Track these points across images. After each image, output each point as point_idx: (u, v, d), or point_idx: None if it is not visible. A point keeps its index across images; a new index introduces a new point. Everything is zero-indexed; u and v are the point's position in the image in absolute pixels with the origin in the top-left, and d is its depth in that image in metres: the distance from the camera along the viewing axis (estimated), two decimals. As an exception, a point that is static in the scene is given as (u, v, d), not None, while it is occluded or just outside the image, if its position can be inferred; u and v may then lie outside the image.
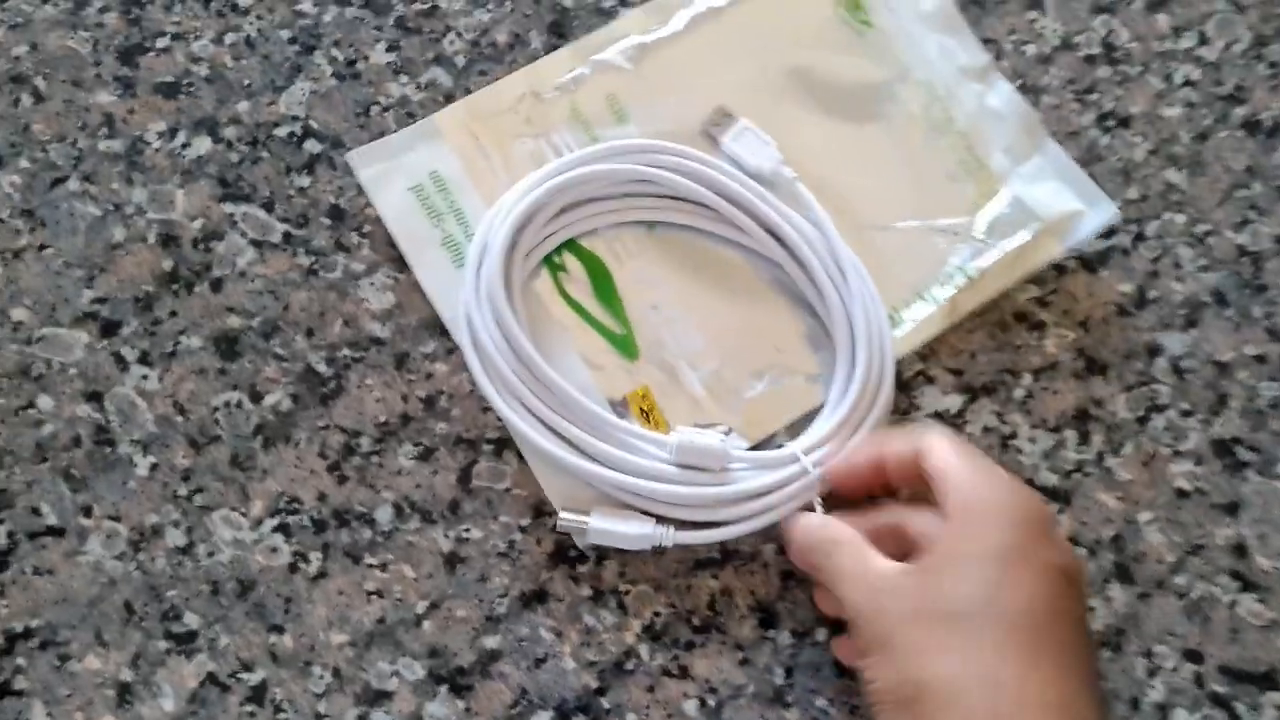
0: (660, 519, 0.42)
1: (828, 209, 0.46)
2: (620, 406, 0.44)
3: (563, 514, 0.41)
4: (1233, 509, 0.46)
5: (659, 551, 0.42)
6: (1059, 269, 0.49)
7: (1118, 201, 0.50)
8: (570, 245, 0.46)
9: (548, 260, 0.46)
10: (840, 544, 0.39)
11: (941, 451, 0.38)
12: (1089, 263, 0.49)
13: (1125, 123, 0.51)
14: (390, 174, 0.46)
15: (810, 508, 0.42)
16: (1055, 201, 0.48)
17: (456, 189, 0.46)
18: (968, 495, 0.37)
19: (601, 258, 0.46)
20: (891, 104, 0.50)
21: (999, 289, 0.47)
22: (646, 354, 0.45)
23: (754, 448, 0.44)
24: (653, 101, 0.48)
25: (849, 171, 0.48)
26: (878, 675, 0.36)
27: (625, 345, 0.45)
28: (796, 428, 0.45)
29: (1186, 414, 0.47)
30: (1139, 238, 0.50)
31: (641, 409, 0.44)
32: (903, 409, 0.46)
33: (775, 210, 0.46)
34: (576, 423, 0.42)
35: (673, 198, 0.46)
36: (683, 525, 0.42)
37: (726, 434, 0.44)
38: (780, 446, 0.44)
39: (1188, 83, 0.52)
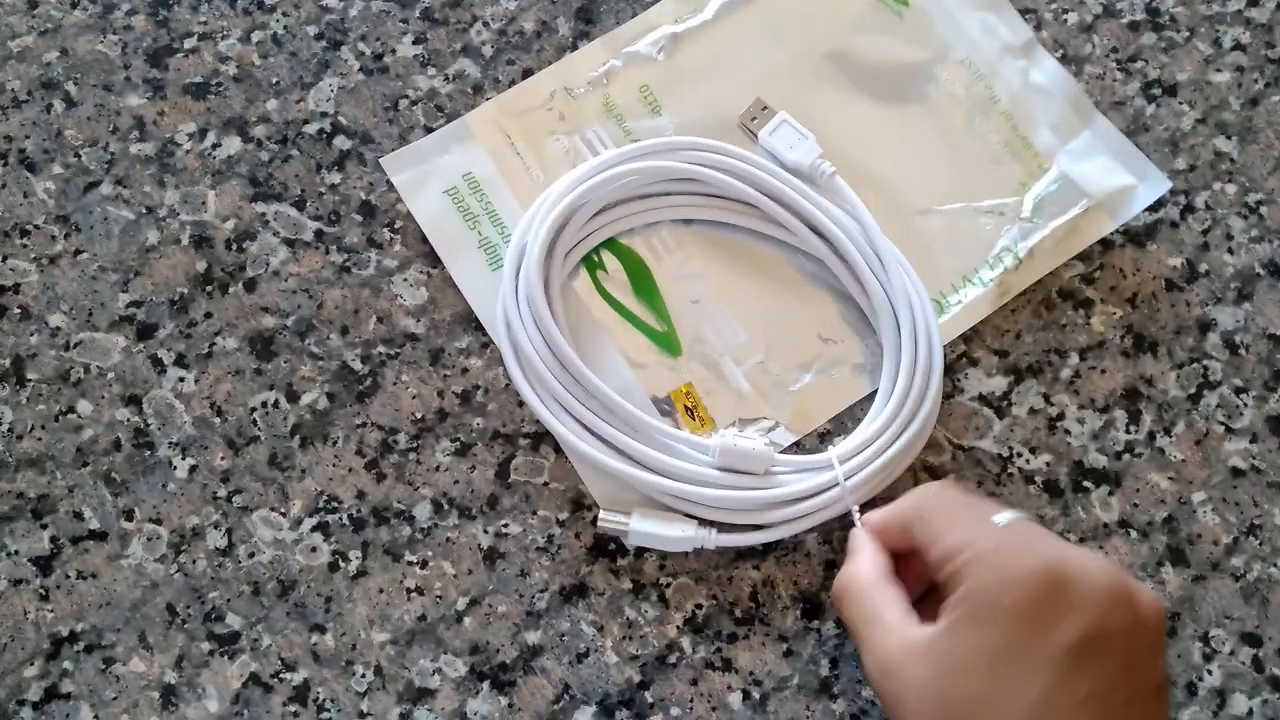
0: (702, 521, 0.41)
1: (869, 195, 0.46)
2: (665, 404, 0.44)
3: (604, 515, 0.41)
4: (1291, 487, 0.45)
5: (699, 551, 0.42)
6: (1105, 244, 0.47)
7: (1165, 172, 0.48)
8: (608, 243, 0.45)
9: (586, 259, 0.45)
10: (855, 598, 0.37)
11: (928, 527, 0.36)
12: (1136, 237, 0.48)
13: (1172, 91, 0.50)
14: (424, 178, 0.45)
15: (849, 520, 0.41)
16: (1105, 177, 0.47)
17: (491, 190, 0.45)
18: (966, 587, 0.34)
19: (640, 254, 0.45)
20: (932, 85, 0.49)
21: (1049, 268, 0.46)
22: (689, 350, 0.45)
23: (800, 442, 0.44)
24: (687, 92, 0.47)
25: (890, 156, 0.47)
26: None
27: (667, 342, 0.45)
28: (845, 417, 0.44)
29: (1240, 390, 0.46)
30: (1188, 209, 0.48)
31: (686, 406, 0.44)
32: (947, 393, 0.45)
33: (815, 205, 0.45)
34: (618, 426, 0.42)
35: (711, 195, 0.45)
36: (723, 527, 0.41)
37: (772, 429, 0.44)
38: (826, 447, 0.43)
39: (1237, 46, 0.51)
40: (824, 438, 0.44)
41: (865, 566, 0.38)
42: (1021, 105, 0.48)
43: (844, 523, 0.41)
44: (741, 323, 0.45)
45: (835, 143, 0.46)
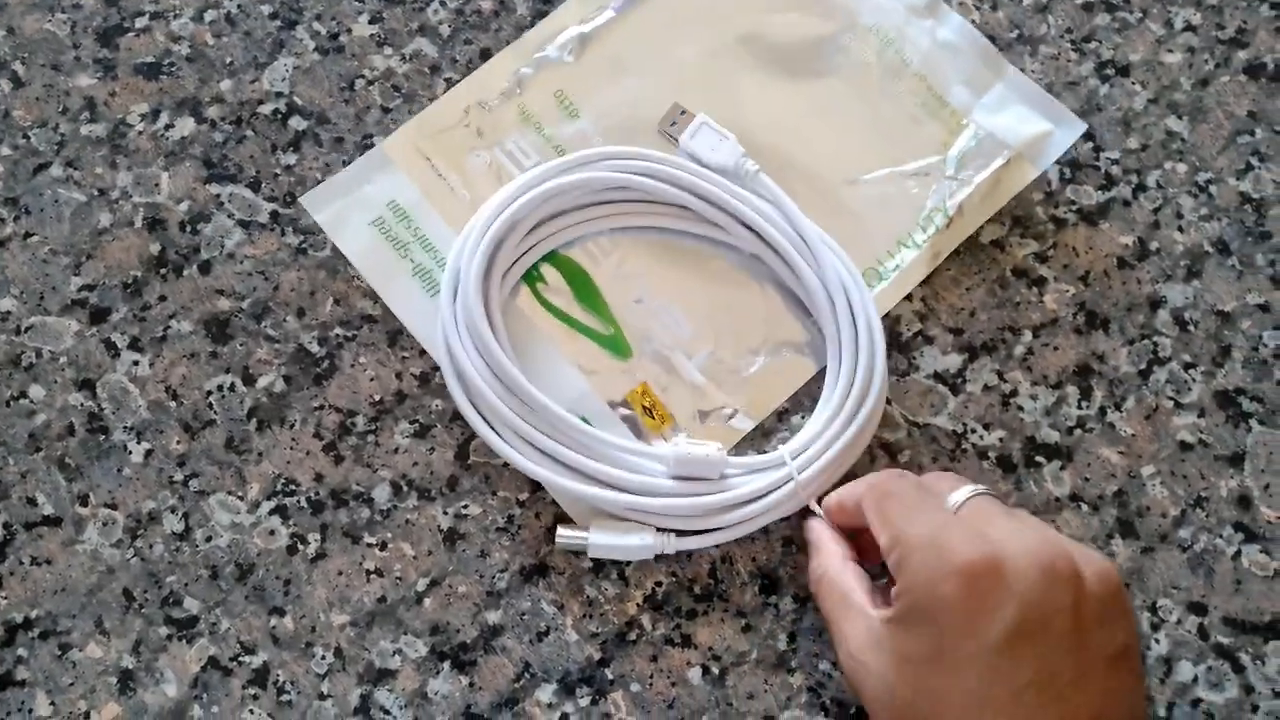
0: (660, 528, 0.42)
1: (794, 174, 0.46)
2: (622, 407, 0.44)
3: (561, 532, 0.41)
4: (1237, 460, 0.46)
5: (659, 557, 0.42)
6: (1058, 223, 0.48)
7: (1116, 152, 0.49)
8: (545, 255, 0.45)
9: (525, 273, 0.45)
10: (826, 588, 0.38)
11: (871, 516, 0.37)
12: (1089, 216, 0.48)
13: (1125, 71, 0.50)
14: (347, 211, 0.44)
15: (808, 510, 0.42)
16: (1022, 126, 0.48)
17: (418, 216, 0.45)
18: (897, 585, 0.35)
19: (577, 261, 0.45)
20: (843, 55, 0.49)
21: (978, 223, 0.47)
22: (639, 350, 0.45)
23: (761, 424, 0.44)
24: (603, 93, 0.47)
25: (811, 132, 0.48)
26: None
27: (616, 345, 0.45)
28: (802, 395, 0.45)
29: (1189, 366, 0.47)
30: (1140, 188, 0.49)
31: (644, 406, 0.44)
32: (902, 370, 0.45)
33: (741, 201, 0.45)
34: (569, 444, 0.41)
35: (642, 200, 0.45)
36: (681, 532, 0.42)
37: (731, 417, 0.44)
38: (782, 432, 0.44)
39: (1188, 27, 0.51)
40: (783, 416, 0.45)
41: (830, 556, 0.39)
42: (933, 65, 0.49)
43: (803, 512, 0.42)
44: (687, 316, 0.45)
45: (755, 125, 0.46)
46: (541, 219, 0.44)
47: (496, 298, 0.43)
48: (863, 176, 0.47)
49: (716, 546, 0.43)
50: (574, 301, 0.45)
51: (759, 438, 0.44)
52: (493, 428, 0.42)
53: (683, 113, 0.46)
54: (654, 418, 0.44)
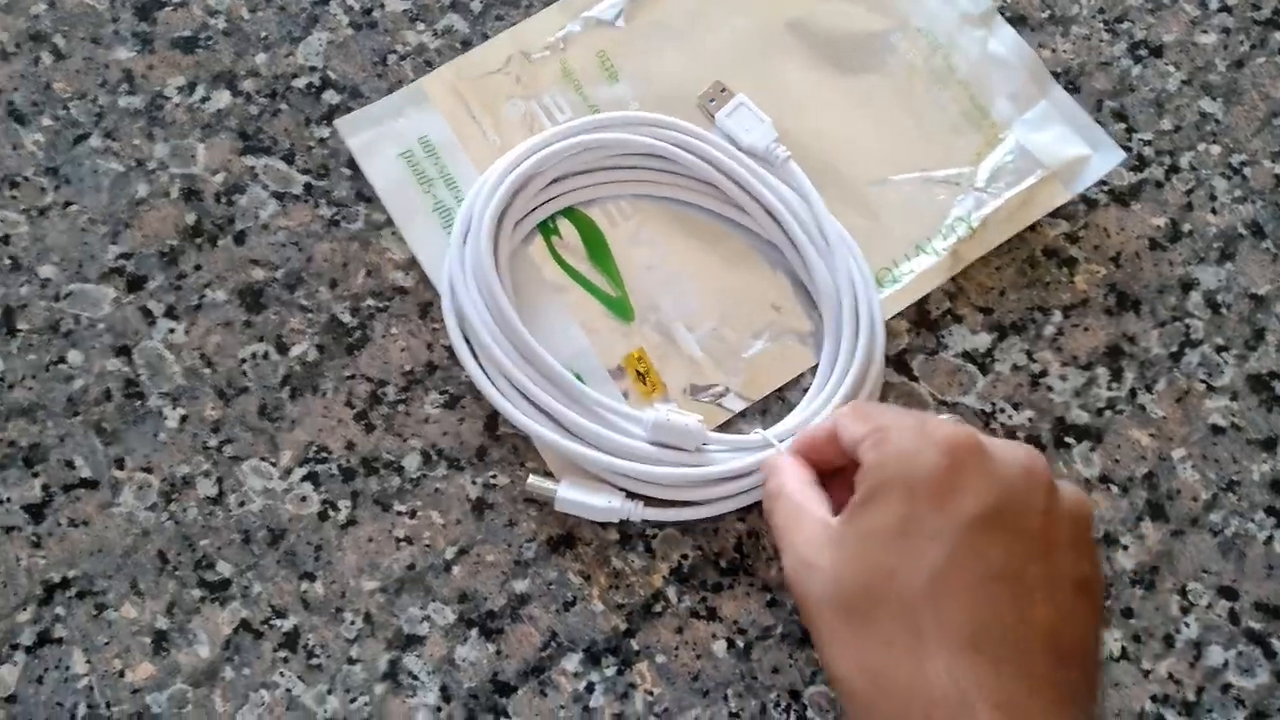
0: (631, 494, 0.42)
1: (825, 165, 0.46)
2: (617, 370, 0.44)
3: (531, 479, 0.41)
4: (1269, 444, 0.46)
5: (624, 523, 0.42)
6: (1089, 203, 0.48)
7: (1149, 133, 0.49)
8: (564, 210, 0.45)
9: (541, 225, 0.45)
10: (780, 504, 0.37)
11: (845, 423, 0.36)
12: (1120, 196, 0.48)
13: (1158, 52, 0.50)
14: (379, 141, 0.45)
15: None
16: (1060, 147, 0.47)
17: (447, 154, 0.45)
18: (869, 463, 0.34)
19: (595, 220, 0.45)
20: (890, 54, 0.48)
21: (1002, 238, 0.46)
22: (642, 315, 0.45)
23: (746, 412, 0.44)
24: (645, 60, 0.47)
25: (847, 125, 0.47)
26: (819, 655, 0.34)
27: (620, 307, 0.45)
28: (796, 385, 0.45)
29: (1221, 349, 0.47)
30: (1172, 170, 0.49)
31: (638, 371, 0.44)
32: (930, 349, 0.45)
33: (768, 187, 0.45)
34: (556, 396, 0.42)
35: (669, 171, 0.45)
36: (652, 502, 0.42)
37: (723, 395, 0.44)
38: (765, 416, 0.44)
39: (1223, 8, 0.51)
40: (771, 407, 0.44)
41: (789, 476, 0.38)
42: (979, 75, 0.48)
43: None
44: (695, 290, 0.45)
45: (792, 112, 0.46)
46: (566, 173, 0.44)
47: (506, 245, 0.43)
48: (891, 177, 0.47)
49: (683, 529, 0.43)
50: (586, 259, 0.45)
51: (748, 421, 0.44)
52: (484, 371, 0.42)
53: (723, 90, 0.46)
54: (646, 384, 0.44)
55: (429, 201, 0.45)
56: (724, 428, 0.44)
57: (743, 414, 0.44)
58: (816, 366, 0.44)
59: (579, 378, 0.43)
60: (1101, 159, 0.47)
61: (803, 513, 0.36)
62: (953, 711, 0.30)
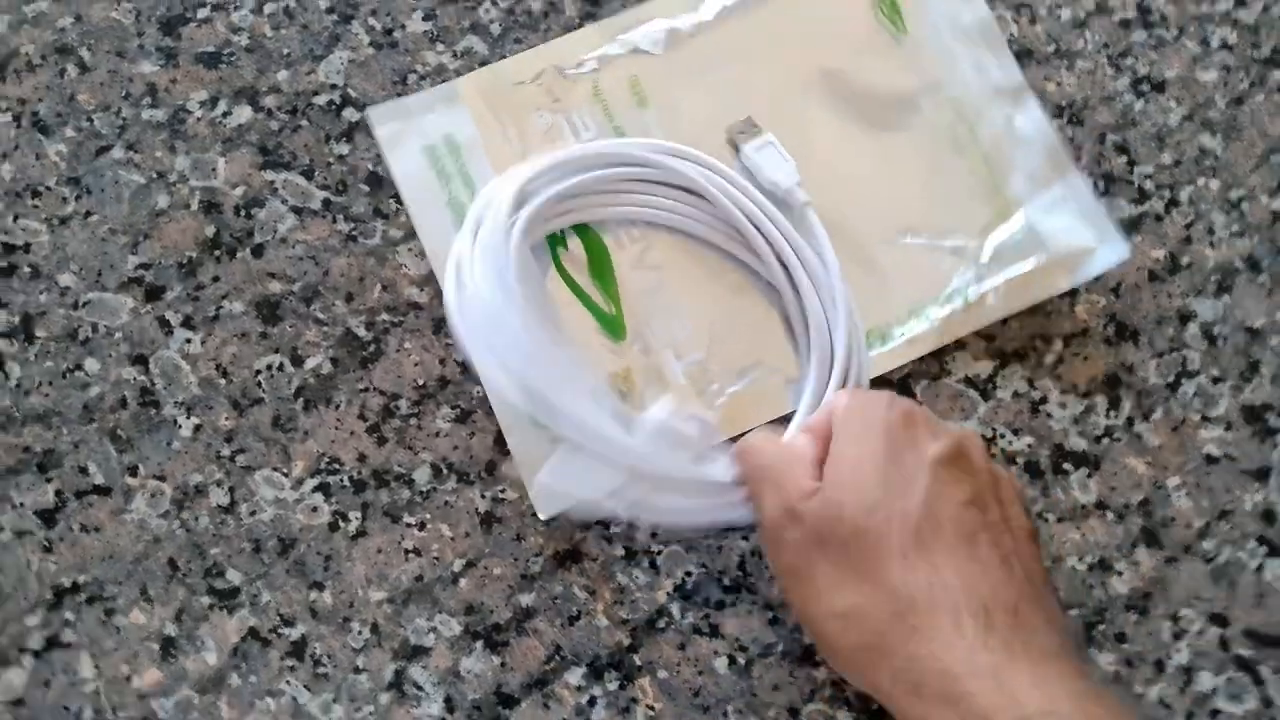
0: (601, 525, 0.42)
1: (837, 216, 0.46)
2: (600, 386, 0.44)
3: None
4: (1261, 475, 0.46)
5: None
6: (1091, 235, 0.49)
7: (1150, 166, 0.50)
8: (573, 225, 0.46)
9: (550, 235, 0.45)
10: (749, 451, 0.39)
11: (835, 402, 0.39)
12: (1122, 228, 0.49)
13: (1160, 87, 0.51)
14: (407, 133, 0.46)
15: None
16: (1067, 235, 0.47)
17: (469, 154, 0.46)
18: (839, 418, 0.38)
19: (603, 238, 0.46)
20: (917, 116, 0.49)
21: (996, 317, 0.46)
22: (633, 336, 0.45)
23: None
24: (676, 91, 0.47)
25: (865, 180, 0.47)
26: (791, 603, 0.38)
27: (613, 325, 0.45)
28: (771, 429, 0.44)
29: (1217, 380, 0.48)
30: (1172, 203, 0.50)
31: (621, 390, 0.44)
32: (934, 374, 0.46)
33: (782, 233, 0.45)
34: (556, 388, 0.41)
35: (683, 201, 0.46)
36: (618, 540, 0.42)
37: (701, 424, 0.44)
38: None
39: (1224, 46, 0.52)
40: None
41: (765, 437, 0.40)
42: (1000, 149, 0.48)
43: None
44: (690, 318, 0.46)
45: (812, 159, 0.47)
46: (581, 191, 0.45)
47: (516, 242, 0.42)
48: (900, 238, 0.47)
49: (687, 546, 0.43)
50: (587, 274, 0.46)
51: None
52: (475, 352, 0.41)
53: (754, 126, 0.47)
54: (627, 404, 0.44)
55: (444, 196, 0.45)
56: None
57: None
58: (794, 413, 0.44)
59: None
60: (1106, 252, 0.47)
61: (786, 466, 0.38)
62: (988, 605, 0.34)
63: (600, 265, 0.46)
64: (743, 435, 0.44)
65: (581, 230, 0.46)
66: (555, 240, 0.46)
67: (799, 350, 0.45)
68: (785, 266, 0.45)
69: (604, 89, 0.47)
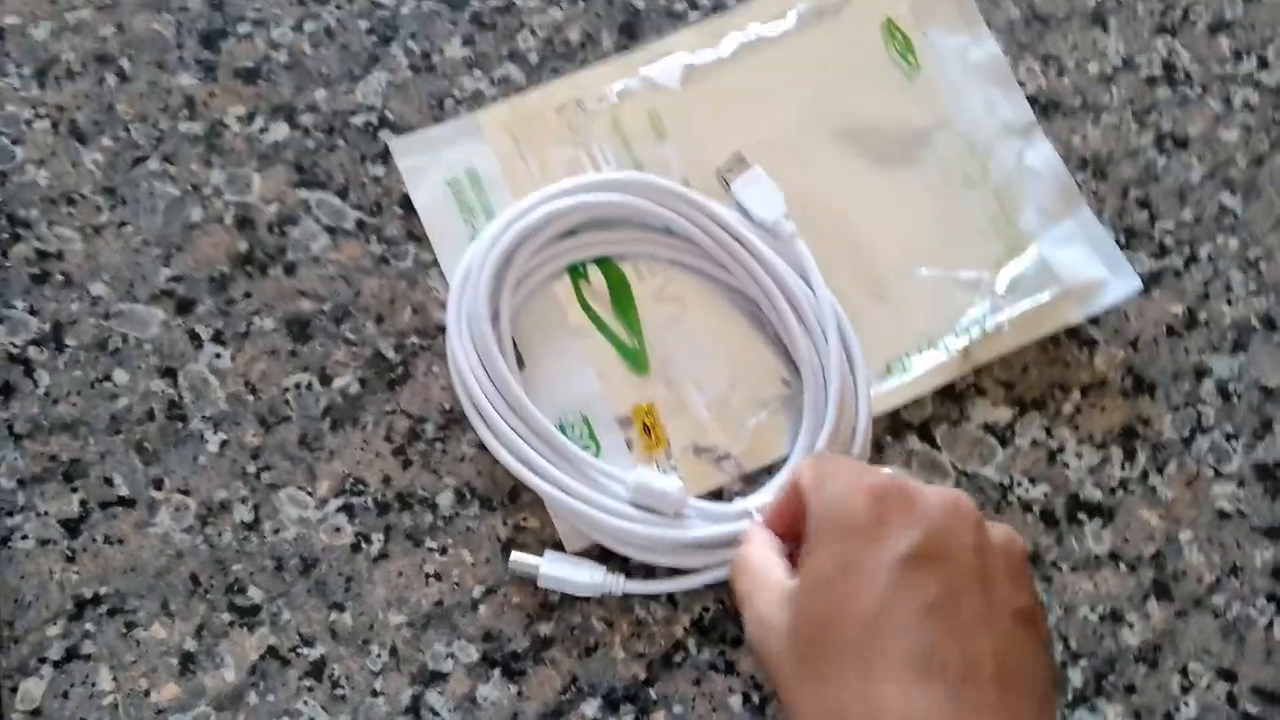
0: (612, 568, 0.42)
1: (853, 249, 0.47)
2: (625, 420, 0.45)
3: (515, 557, 0.42)
4: (1272, 533, 0.47)
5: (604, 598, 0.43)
6: (1112, 288, 0.49)
7: (1170, 222, 0.50)
8: (594, 258, 0.46)
9: (572, 268, 0.46)
10: (743, 573, 0.38)
11: (803, 475, 0.37)
12: (1142, 282, 0.50)
13: (1183, 144, 0.52)
14: (429, 166, 0.46)
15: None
16: (1080, 267, 0.48)
17: (491, 187, 0.46)
18: (812, 511, 0.35)
19: (624, 271, 0.46)
20: (929, 152, 0.49)
21: (1012, 346, 0.47)
22: (656, 370, 0.46)
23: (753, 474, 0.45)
24: (693, 124, 0.48)
25: (880, 214, 0.48)
26: (784, 711, 0.35)
27: (636, 359, 0.46)
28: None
29: (1230, 437, 0.48)
30: (1191, 259, 0.50)
31: (645, 424, 0.45)
32: (954, 419, 0.47)
33: (766, 268, 0.45)
34: (540, 450, 0.42)
35: (682, 238, 0.46)
36: (632, 574, 0.43)
37: (723, 459, 0.45)
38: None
39: (1247, 106, 0.53)
40: (773, 471, 0.45)
41: (754, 546, 0.39)
42: (1012, 184, 0.49)
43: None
44: (710, 352, 0.46)
45: (828, 194, 0.47)
46: (580, 225, 0.45)
47: (509, 294, 0.43)
48: (915, 270, 0.48)
49: (668, 596, 0.43)
50: (610, 307, 0.46)
51: (744, 487, 0.45)
52: (482, 416, 0.43)
53: (740, 161, 0.47)
54: (651, 437, 0.45)
55: (468, 230, 0.46)
56: (719, 492, 0.45)
57: (740, 480, 0.45)
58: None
59: (587, 421, 0.44)
60: (1118, 285, 0.48)
61: (763, 579, 0.36)
62: None
63: (622, 298, 0.46)
64: (766, 469, 0.44)
65: (602, 262, 0.46)
66: (576, 273, 0.46)
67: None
68: (767, 296, 0.45)
69: (623, 122, 0.48)
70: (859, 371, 0.45)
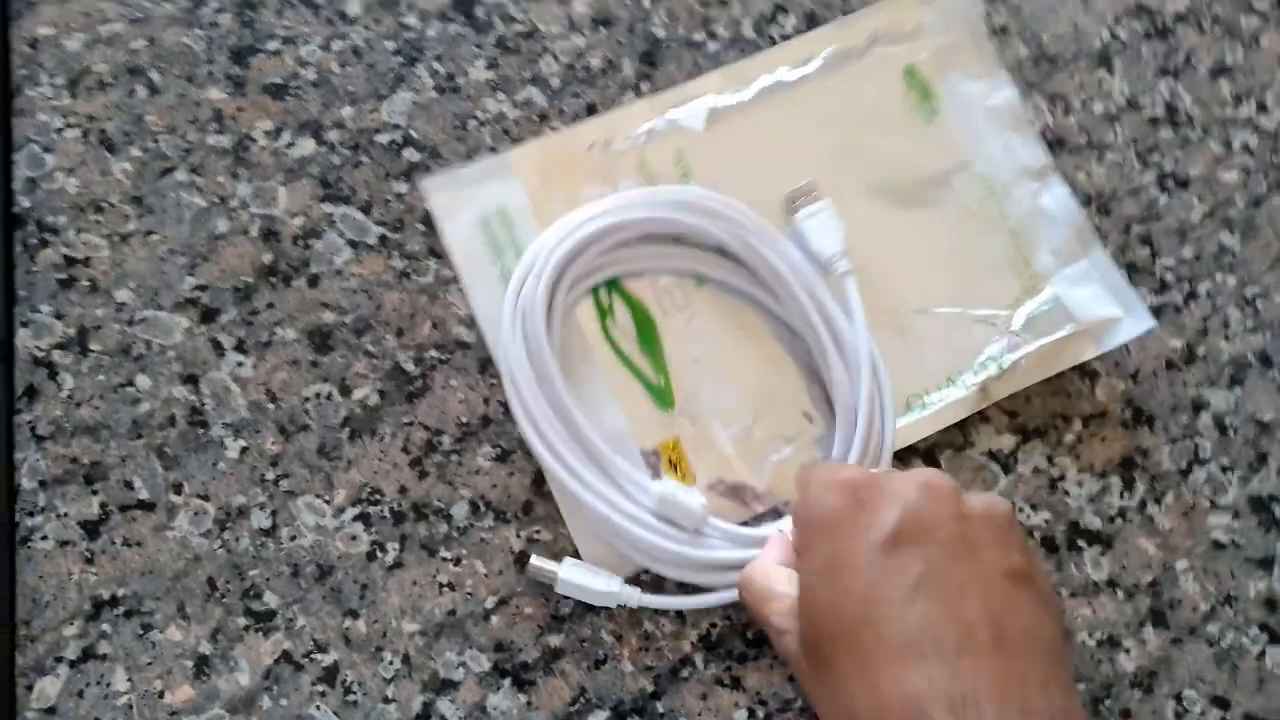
0: (629, 580, 0.43)
1: (872, 286, 0.48)
2: (651, 456, 0.45)
3: (534, 561, 0.43)
4: (1266, 564, 0.48)
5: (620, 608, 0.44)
6: (1114, 321, 0.51)
7: (1171, 259, 0.52)
8: (619, 290, 0.47)
9: (597, 304, 0.47)
10: (751, 584, 0.39)
11: (798, 486, 0.38)
12: (1154, 320, 0.51)
13: (1184, 184, 0.53)
14: (460, 204, 0.47)
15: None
16: (1094, 306, 0.49)
17: (520, 225, 0.47)
18: (796, 517, 0.37)
19: (648, 306, 0.47)
20: (947, 193, 0.51)
21: (1029, 382, 0.48)
22: (681, 406, 0.46)
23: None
24: (718, 165, 0.49)
25: (899, 253, 0.49)
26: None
27: (662, 395, 0.46)
28: None
29: (1227, 469, 0.49)
30: (1191, 296, 0.52)
31: (670, 460, 0.46)
32: (958, 445, 0.48)
33: (813, 300, 0.46)
34: (578, 455, 0.43)
35: (729, 258, 0.47)
36: (647, 588, 0.43)
37: (749, 493, 0.45)
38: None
39: (1246, 149, 0.55)
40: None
41: (759, 560, 0.40)
42: (1028, 225, 0.51)
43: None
44: (735, 387, 0.47)
45: (850, 234, 0.48)
46: (621, 242, 0.46)
47: (561, 301, 0.45)
48: (933, 308, 0.49)
49: (677, 612, 0.44)
50: (635, 343, 0.47)
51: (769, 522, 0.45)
52: (530, 422, 0.43)
53: (811, 190, 0.48)
54: (676, 473, 0.45)
55: (498, 269, 0.46)
56: (745, 527, 0.45)
57: (764, 515, 0.46)
58: None
59: None
60: (1132, 322, 0.49)
61: (767, 590, 0.38)
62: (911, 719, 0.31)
63: (647, 335, 0.47)
64: (789, 502, 0.45)
65: (626, 298, 0.47)
66: (602, 311, 0.47)
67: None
68: (817, 334, 0.46)
69: (650, 162, 0.49)
70: (887, 410, 0.46)
